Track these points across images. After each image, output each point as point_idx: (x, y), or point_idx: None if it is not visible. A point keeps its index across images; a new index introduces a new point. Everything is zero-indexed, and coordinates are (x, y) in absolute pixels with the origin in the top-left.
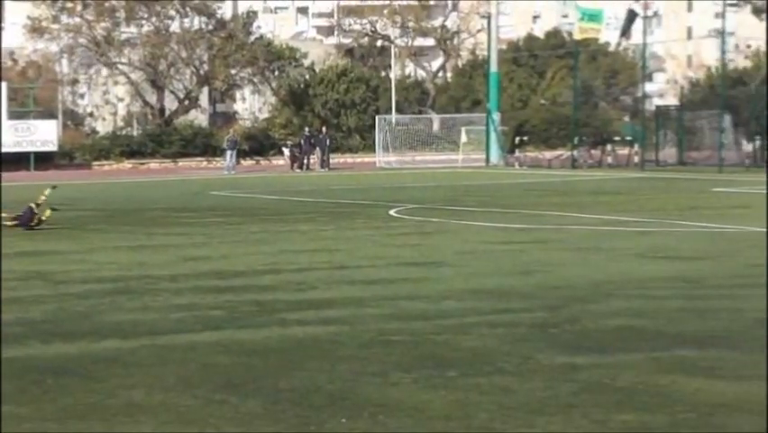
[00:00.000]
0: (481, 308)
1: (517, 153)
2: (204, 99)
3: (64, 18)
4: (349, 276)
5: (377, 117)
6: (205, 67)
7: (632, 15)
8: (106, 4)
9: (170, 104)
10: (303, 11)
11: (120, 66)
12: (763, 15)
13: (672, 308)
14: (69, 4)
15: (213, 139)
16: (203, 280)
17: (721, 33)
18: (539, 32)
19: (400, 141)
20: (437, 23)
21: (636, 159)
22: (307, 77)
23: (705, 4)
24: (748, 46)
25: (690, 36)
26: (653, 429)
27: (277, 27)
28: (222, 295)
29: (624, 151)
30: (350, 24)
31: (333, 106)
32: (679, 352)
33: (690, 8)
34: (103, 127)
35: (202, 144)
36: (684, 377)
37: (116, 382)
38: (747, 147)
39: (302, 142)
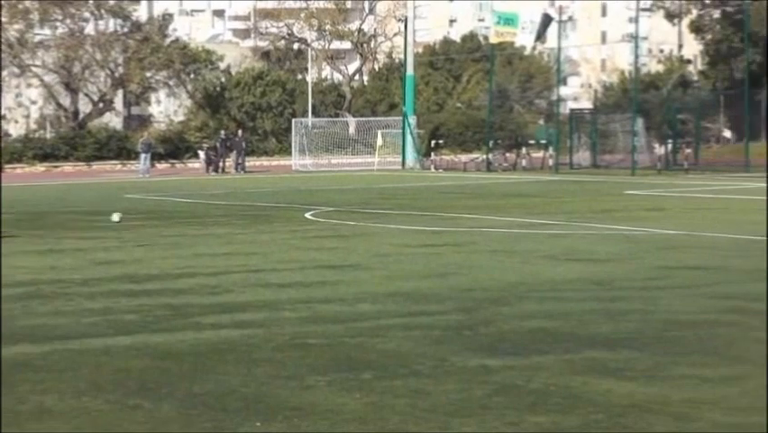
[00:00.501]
0: (396, 310)
1: (433, 156)
2: (119, 102)
3: None
4: (264, 279)
5: (293, 120)
6: (120, 69)
7: (547, 19)
8: (20, 6)
9: (85, 107)
10: (219, 14)
11: (33, 68)
12: (676, 21)
13: (583, 310)
14: None
15: (127, 142)
16: (116, 284)
17: (634, 38)
18: (455, 35)
19: (316, 144)
20: (354, 26)
21: (551, 162)
22: (223, 80)
23: (619, 8)
24: (661, 50)
25: (604, 40)
26: (565, 430)
27: (193, 30)
28: (136, 299)
29: (538, 154)
30: (266, 27)
31: (250, 109)
32: (590, 353)
33: (604, 13)
34: (15, 130)
35: (116, 147)
36: (595, 378)
37: (28, 388)
38: (659, 150)
39: (218, 145)
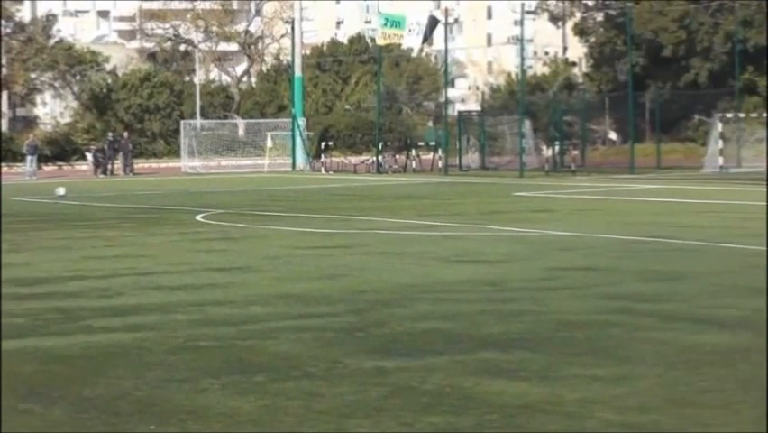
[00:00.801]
0: (288, 312)
1: (323, 158)
2: (3, 104)
3: None
4: (155, 282)
5: (182, 122)
6: (4, 71)
7: (433, 22)
8: None
9: None
10: (104, 14)
11: None
12: (560, 23)
13: (476, 310)
14: None
15: (13, 144)
16: (4, 288)
17: (520, 40)
18: (343, 37)
19: (206, 146)
20: (241, 27)
21: (440, 164)
22: (110, 81)
23: (504, 11)
24: (546, 53)
25: (490, 43)
26: (459, 430)
27: (77, 31)
28: (24, 302)
29: (428, 156)
30: (152, 29)
31: (137, 111)
32: (483, 354)
33: (489, 15)
34: None
35: (2, 150)
36: (489, 379)
37: None
38: (547, 152)
39: (105, 147)
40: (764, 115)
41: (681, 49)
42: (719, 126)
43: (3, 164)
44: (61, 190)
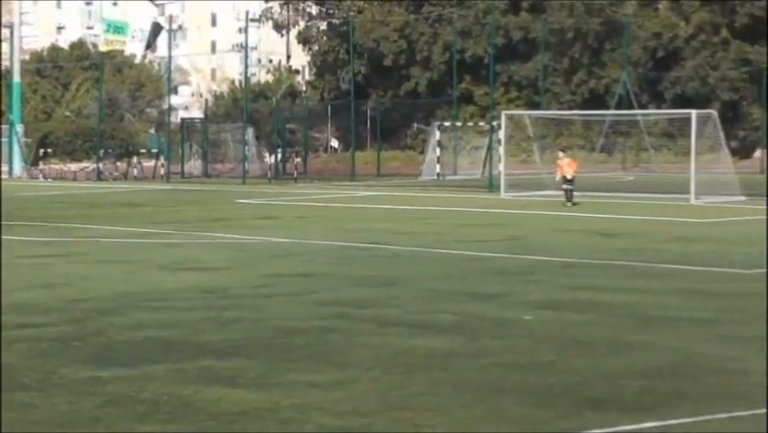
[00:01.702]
0: (3, 323)
1: (42, 166)
2: None
3: None
4: None
5: None
6: None
7: (157, 28)
8: None
9: None
10: None
11: None
12: (284, 32)
13: (196, 318)
14: None
15: None
16: None
17: (244, 48)
18: (63, 42)
19: None
20: None
21: (162, 171)
22: None
23: (228, 18)
24: (270, 60)
25: (214, 50)
26: None
27: None
28: None
29: (150, 163)
30: None
31: None
32: (203, 362)
33: (214, 23)
34: None
35: None
36: (207, 386)
37: None
38: (270, 159)
39: None
40: (481, 123)
41: (401, 58)
42: (437, 135)
43: None
44: None
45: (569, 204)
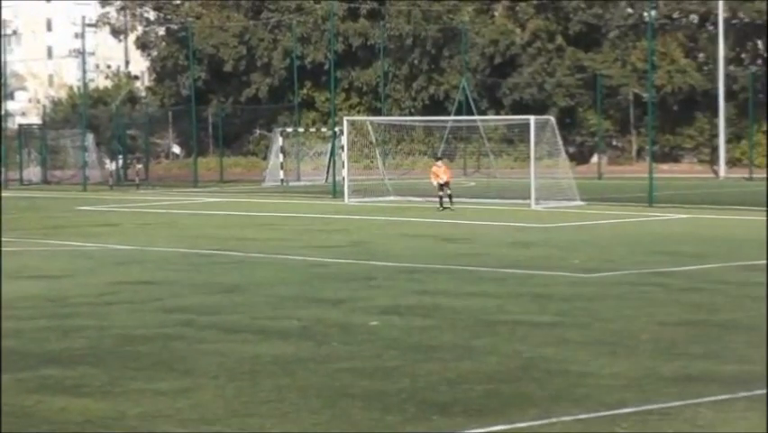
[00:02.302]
0: None
1: None
2: None
3: None
4: None
5: None
6: None
7: None
8: None
9: None
10: None
11: None
12: (122, 37)
13: (38, 327)
14: None
15: None
16: None
17: (81, 53)
18: None
19: None
20: None
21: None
22: None
23: (65, 23)
24: (108, 66)
25: (50, 55)
26: None
27: None
28: None
29: None
30: None
31: None
32: (45, 371)
33: (49, 27)
34: None
35: None
36: (50, 396)
37: None
38: (111, 166)
39: None
40: (323, 129)
41: (241, 64)
42: (280, 140)
43: None
44: None
45: (441, 209)
